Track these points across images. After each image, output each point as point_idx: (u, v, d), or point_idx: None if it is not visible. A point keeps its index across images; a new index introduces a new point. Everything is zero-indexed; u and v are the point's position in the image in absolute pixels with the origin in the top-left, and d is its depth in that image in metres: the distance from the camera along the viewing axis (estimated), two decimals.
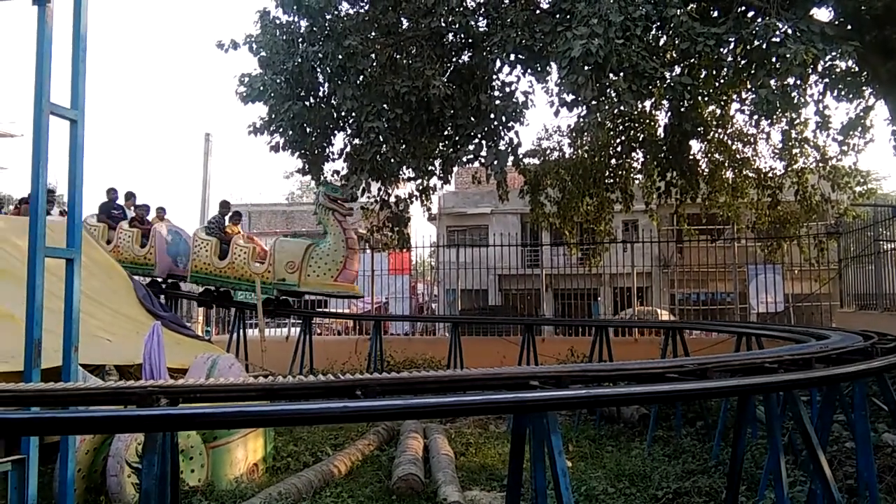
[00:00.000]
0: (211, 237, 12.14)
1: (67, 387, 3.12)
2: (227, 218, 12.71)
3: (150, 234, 12.31)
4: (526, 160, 13.94)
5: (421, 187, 13.97)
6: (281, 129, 11.54)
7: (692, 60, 10.97)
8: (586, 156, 14.92)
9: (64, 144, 4.29)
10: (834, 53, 8.83)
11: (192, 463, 6.11)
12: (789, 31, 8.74)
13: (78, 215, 4.33)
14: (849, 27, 9.86)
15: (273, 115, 11.35)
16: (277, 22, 11.29)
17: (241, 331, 12.41)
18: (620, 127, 14.42)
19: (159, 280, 12.49)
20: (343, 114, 11.51)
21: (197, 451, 6.18)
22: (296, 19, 11.23)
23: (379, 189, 13.57)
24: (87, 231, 11.67)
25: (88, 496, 5.65)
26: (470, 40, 11.49)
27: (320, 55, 10.70)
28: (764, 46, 8.80)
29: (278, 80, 10.99)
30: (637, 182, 15.92)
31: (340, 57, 10.49)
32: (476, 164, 12.18)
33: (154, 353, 6.49)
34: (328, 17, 10.97)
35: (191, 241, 12.34)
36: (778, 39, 8.63)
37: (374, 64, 11.15)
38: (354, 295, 12.55)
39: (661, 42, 10.86)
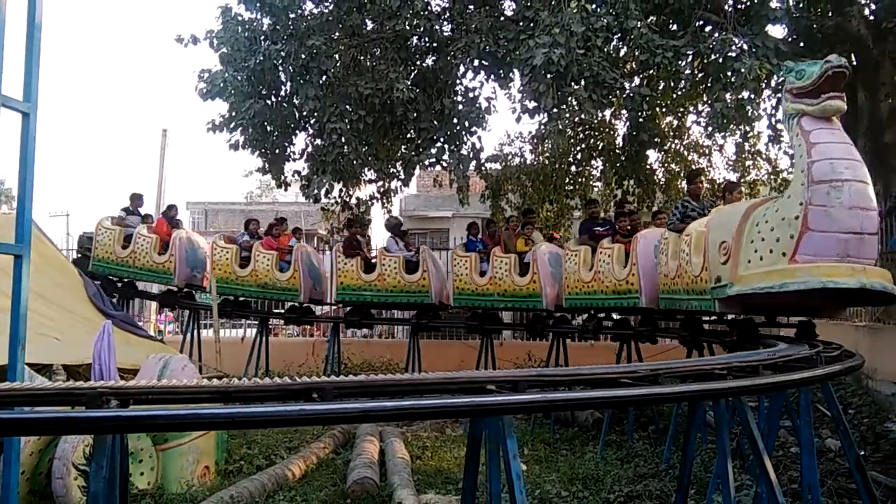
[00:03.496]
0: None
1: (13, 386, 3.02)
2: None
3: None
4: (488, 165, 14.04)
5: (382, 189, 13.95)
6: (241, 127, 11.41)
7: (651, 72, 11.21)
8: (547, 162, 15.10)
9: (13, 138, 4.17)
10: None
11: (141, 465, 5.99)
12: (745, 47, 9.01)
13: (28, 210, 4.20)
14: (801, 44, 10.21)
15: (233, 113, 11.22)
16: (240, 18, 11.17)
17: (196, 331, 12.19)
18: (580, 135, 14.64)
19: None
20: (305, 114, 11.43)
21: (147, 453, 6.05)
22: (258, 17, 11.13)
23: (340, 190, 13.50)
24: None
25: (32, 499, 5.49)
26: (434, 45, 11.53)
27: (283, 54, 10.61)
28: (720, 60, 9.05)
29: (239, 78, 10.88)
30: (596, 189, 16.16)
31: (303, 56, 10.43)
32: (438, 167, 12.21)
33: (104, 353, 6.33)
34: (292, 15, 10.90)
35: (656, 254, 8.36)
36: (734, 54, 8.88)
37: (338, 65, 11.12)
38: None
39: (622, 53, 11.08)
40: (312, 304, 12.15)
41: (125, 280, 12.29)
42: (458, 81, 11.81)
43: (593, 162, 15.36)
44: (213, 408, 2.95)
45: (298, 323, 13.31)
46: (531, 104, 9.85)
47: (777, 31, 10.55)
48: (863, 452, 6.75)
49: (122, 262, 11.87)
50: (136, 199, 12.87)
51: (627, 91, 10.13)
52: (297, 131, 12.31)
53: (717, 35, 9.46)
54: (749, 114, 10.15)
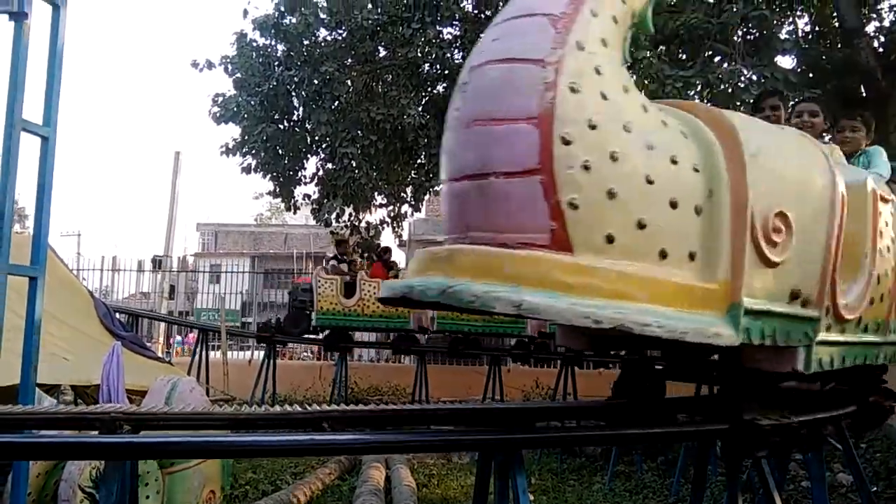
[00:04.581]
0: None
1: (26, 409, 3.04)
2: None
3: None
4: None
5: (393, 214, 14.02)
6: (254, 151, 11.53)
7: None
8: None
9: (30, 159, 4.23)
10: (796, 100, 9.18)
11: (147, 489, 5.94)
12: (754, 78, 9.06)
13: (44, 233, 4.25)
14: (810, 75, 10.26)
15: (246, 137, 11.35)
16: (254, 45, 11.34)
17: (203, 353, 12.19)
18: None
19: None
20: (317, 138, 11.54)
21: (153, 476, 6.01)
22: (273, 43, 11.30)
23: (350, 215, 13.58)
24: None
25: None
26: (446, 72, 11.65)
27: (296, 79, 10.76)
28: (729, 91, 9.12)
29: (253, 102, 11.01)
30: None
31: (316, 82, 10.57)
32: None
33: (112, 375, 6.34)
34: (306, 42, 11.06)
35: None
36: (743, 85, 8.95)
37: (350, 90, 11.24)
38: None
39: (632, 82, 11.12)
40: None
41: (341, 329, 11.50)
42: None
43: None
44: (225, 436, 2.96)
45: (527, 360, 12.03)
46: None
47: (786, 62, 10.63)
48: (875, 488, 6.65)
49: (350, 312, 11.08)
50: (342, 244, 12.38)
51: None
52: (309, 155, 12.43)
53: (726, 66, 9.53)
54: None
